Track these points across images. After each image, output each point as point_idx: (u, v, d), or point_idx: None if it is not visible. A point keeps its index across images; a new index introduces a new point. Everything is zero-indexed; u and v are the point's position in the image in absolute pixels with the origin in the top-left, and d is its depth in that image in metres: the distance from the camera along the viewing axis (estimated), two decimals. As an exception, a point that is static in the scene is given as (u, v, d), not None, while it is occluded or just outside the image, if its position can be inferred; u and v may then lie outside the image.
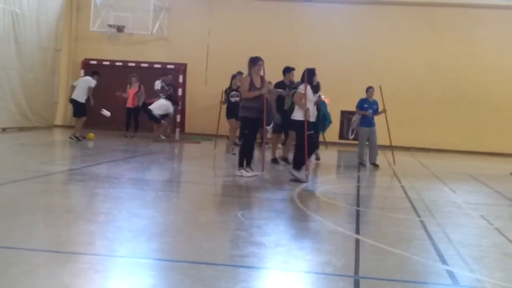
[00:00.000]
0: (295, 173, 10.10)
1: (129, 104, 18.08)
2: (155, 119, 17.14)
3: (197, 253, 5.21)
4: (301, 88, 10.31)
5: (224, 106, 15.04)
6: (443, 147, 19.05)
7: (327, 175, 11.61)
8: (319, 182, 10.37)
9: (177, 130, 18.94)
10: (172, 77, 18.06)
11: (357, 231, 6.52)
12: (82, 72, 20.88)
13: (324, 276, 4.78)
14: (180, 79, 19.64)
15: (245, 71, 18.39)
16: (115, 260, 4.94)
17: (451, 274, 4.99)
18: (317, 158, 13.96)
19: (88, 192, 8.26)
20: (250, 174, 10.35)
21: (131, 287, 4.30)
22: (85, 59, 20.88)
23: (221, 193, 9.33)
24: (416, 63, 19.18)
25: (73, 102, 16.16)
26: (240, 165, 10.48)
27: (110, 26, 19.77)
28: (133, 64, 20.31)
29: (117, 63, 20.54)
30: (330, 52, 19.35)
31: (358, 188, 10.14)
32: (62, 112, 20.98)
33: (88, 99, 16.20)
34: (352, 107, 18.51)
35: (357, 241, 5.99)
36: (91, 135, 16.38)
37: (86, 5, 20.52)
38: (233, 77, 14.62)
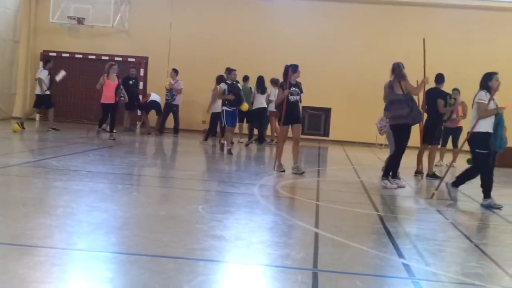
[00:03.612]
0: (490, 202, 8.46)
1: (110, 99, 15.15)
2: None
3: (156, 246, 5.20)
4: (482, 98, 8.44)
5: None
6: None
7: (287, 170, 11.66)
8: (280, 176, 10.42)
9: (138, 123, 18.82)
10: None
11: (316, 225, 6.59)
12: (41, 64, 20.55)
13: (283, 269, 4.82)
14: (142, 73, 19.54)
15: (205, 64, 18.66)
16: (73, 253, 4.90)
17: (407, 267, 5.10)
18: (229, 152, 13.41)
19: (46, 185, 8.14)
20: (395, 186, 9.67)
21: (89, 281, 4.26)
22: (44, 51, 20.51)
23: (182, 186, 9.29)
24: (376, 59, 19.36)
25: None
26: (385, 175, 9.75)
27: (70, 18, 19.50)
28: (94, 57, 20.04)
29: (77, 56, 20.24)
30: (291, 48, 19.41)
31: (318, 183, 10.23)
32: (21, 104, 20.57)
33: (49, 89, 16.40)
34: (315, 103, 18.74)
35: (316, 235, 6.06)
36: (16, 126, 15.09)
37: (45, -4, 20.17)
38: (295, 69, 10.82)
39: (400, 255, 5.48)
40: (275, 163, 11.04)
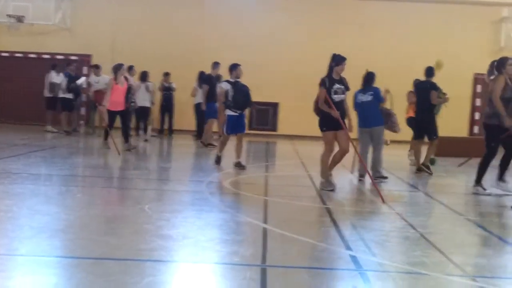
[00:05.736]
0: None
1: (119, 105, 12.94)
2: None
3: (102, 248, 5.10)
4: None
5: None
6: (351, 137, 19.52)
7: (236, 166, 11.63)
8: (228, 173, 10.39)
9: (82, 123, 18.48)
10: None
11: (265, 220, 6.59)
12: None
13: (232, 267, 4.80)
14: (85, 71, 19.17)
15: (152, 61, 18.40)
16: (15, 259, 4.76)
17: (354, 259, 5.15)
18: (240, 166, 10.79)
19: (-14, 190, 7.88)
20: (488, 191, 8.85)
21: (32, 287, 4.15)
22: (-17, 51, 19.89)
23: (127, 186, 9.15)
24: (322, 53, 19.32)
25: None
26: (479, 181, 8.88)
27: (9, 16, 18.93)
28: (34, 56, 19.56)
29: (17, 55, 19.69)
30: (240, 43, 19.37)
31: (266, 178, 10.25)
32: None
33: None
34: (262, 98, 18.69)
35: (265, 230, 6.06)
36: None
37: (-18, -6, 19.52)
38: (340, 60, 8.80)
39: (348, 247, 5.53)
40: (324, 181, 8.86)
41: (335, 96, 8.61)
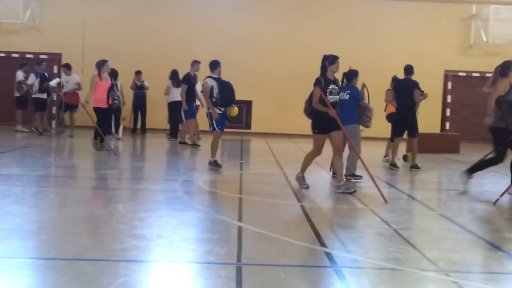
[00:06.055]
0: None
1: (102, 102, 12.66)
2: None
3: (75, 249, 5.04)
4: None
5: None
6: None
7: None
8: (202, 171, 10.35)
9: (54, 122, 18.27)
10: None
11: (240, 218, 6.58)
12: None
13: (207, 265, 4.79)
14: (55, 70, 18.95)
15: (122, 60, 18.22)
16: (-14, 261, 4.68)
17: (329, 256, 5.17)
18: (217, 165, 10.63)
19: (-45, 191, 7.73)
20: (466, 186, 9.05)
21: (4, 289, 4.08)
22: (-50, 50, 19.53)
23: (101, 186, 9.06)
24: (294, 51, 19.51)
25: None
26: (471, 172, 8.98)
27: (-24, 15, 18.64)
28: (3, 55, 19.27)
29: (-16, 54, 19.40)
30: (213, 41, 19.31)
31: (241, 176, 10.24)
32: None
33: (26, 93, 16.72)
34: (237, 96, 18.54)
35: (240, 229, 6.05)
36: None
37: (-52, -8, 19.14)
38: (334, 59, 8.55)
39: (323, 244, 5.55)
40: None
41: (330, 96, 8.40)
